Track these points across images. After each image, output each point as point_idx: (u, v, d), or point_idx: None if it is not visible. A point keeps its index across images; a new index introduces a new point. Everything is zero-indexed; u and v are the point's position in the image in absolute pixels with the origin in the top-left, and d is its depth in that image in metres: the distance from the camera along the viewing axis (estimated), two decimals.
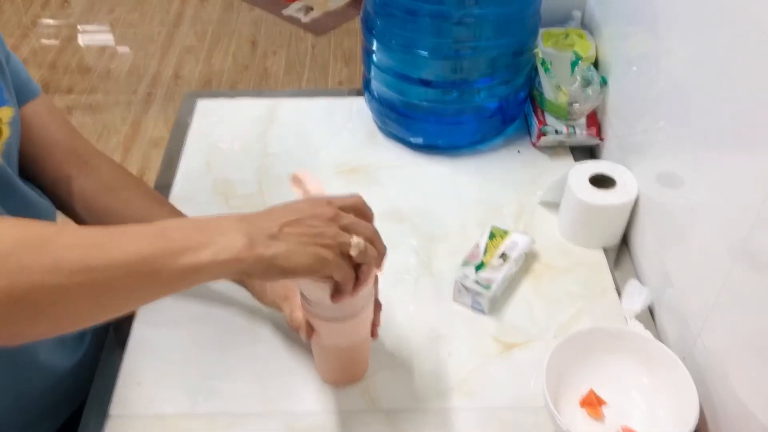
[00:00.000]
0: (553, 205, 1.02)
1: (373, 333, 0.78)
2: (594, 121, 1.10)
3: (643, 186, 0.93)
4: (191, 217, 0.61)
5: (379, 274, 0.72)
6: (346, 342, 0.76)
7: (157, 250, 0.54)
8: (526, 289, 0.93)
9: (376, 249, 0.64)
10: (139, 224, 0.57)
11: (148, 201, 0.85)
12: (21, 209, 0.75)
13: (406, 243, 0.99)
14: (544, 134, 1.09)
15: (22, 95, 0.77)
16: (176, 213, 0.85)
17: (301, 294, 0.71)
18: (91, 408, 0.81)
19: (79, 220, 0.84)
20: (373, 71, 1.11)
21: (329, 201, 0.63)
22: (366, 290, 0.70)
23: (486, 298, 0.87)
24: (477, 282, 0.87)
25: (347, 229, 0.62)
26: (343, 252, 0.61)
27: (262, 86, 2.78)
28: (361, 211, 0.66)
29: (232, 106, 1.25)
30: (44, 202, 0.81)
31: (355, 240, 0.62)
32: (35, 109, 0.79)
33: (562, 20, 1.21)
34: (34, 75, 2.87)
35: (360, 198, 0.66)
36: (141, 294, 0.57)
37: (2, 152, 0.72)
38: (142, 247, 0.54)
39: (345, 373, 0.82)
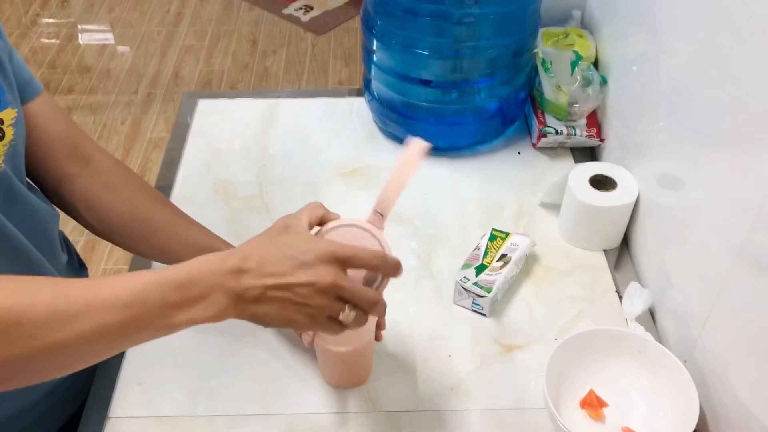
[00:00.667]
0: (553, 207, 1.02)
1: (378, 336, 0.78)
2: (594, 121, 1.10)
3: (644, 187, 0.93)
4: (178, 265, 0.57)
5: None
6: (349, 345, 0.76)
7: (133, 317, 0.54)
8: (526, 291, 0.93)
9: (374, 314, 0.62)
10: (117, 279, 0.55)
11: (149, 201, 0.84)
12: (25, 217, 0.75)
13: (406, 245, 0.99)
14: (545, 135, 1.09)
15: (24, 93, 0.77)
16: (178, 213, 0.85)
17: None
18: (90, 409, 0.81)
19: (81, 220, 0.84)
20: (374, 71, 1.11)
21: (340, 258, 0.59)
22: None
23: (487, 301, 0.87)
24: (477, 284, 0.87)
25: (344, 300, 0.59)
26: (330, 317, 0.60)
27: (262, 85, 2.78)
28: (379, 269, 0.63)
29: (232, 106, 1.25)
30: (47, 208, 0.81)
31: (347, 311, 0.60)
32: (38, 107, 0.79)
33: (562, 20, 1.21)
34: (34, 74, 2.86)
35: (383, 256, 0.62)
36: (111, 352, 0.58)
37: (5, 155, 0.71)
38: (117, 317, 0.53)
39: (349, 377, 0.82)
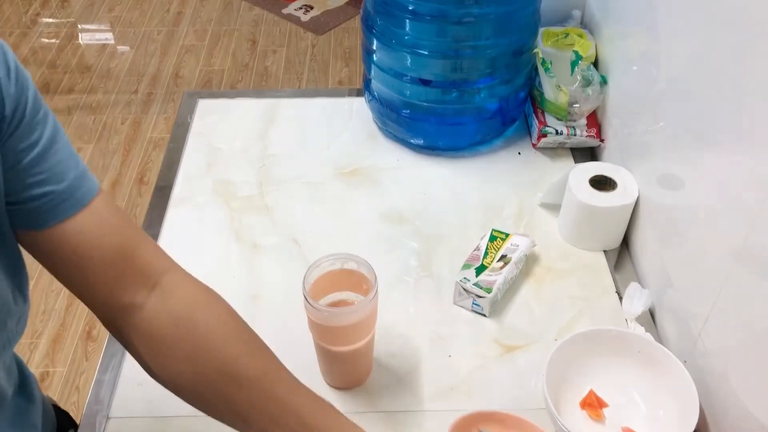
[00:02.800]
0: (553, 207, 1.02)
1: None
2: (594, 122, 1.10)
3: (644, 187, 0.93)
4: None
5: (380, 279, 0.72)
6: (350, 345, 0.76)
7: None
8: (526, 291, 0.93)
9: None
10: None
11: (237, 345, 0.62)
12: None
13: (406, 245, 0.99)
14: (545, 135, 1.09)
15: (74, 198, 0.57)
16: (273, 362, 0.63)
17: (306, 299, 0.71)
18: (90, 409, 0.81)
19: (144, 366, 0.63)
20: (374, 71, 1.11)
21: None
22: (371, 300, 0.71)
23: (487, 301, 0.87)
24: (477, 285, 0.87)
25: None
26: None
27: (262, 85, 2.78)
28: None
29: (232, 106, 1.25)
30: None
31: None
32: (90, 214, 0.57)
33: (562, 20, 1.21)
34: (34, 74, 2.87)
35: None
36: None
37: None
38: None
39: (349, 377, 0.82)
